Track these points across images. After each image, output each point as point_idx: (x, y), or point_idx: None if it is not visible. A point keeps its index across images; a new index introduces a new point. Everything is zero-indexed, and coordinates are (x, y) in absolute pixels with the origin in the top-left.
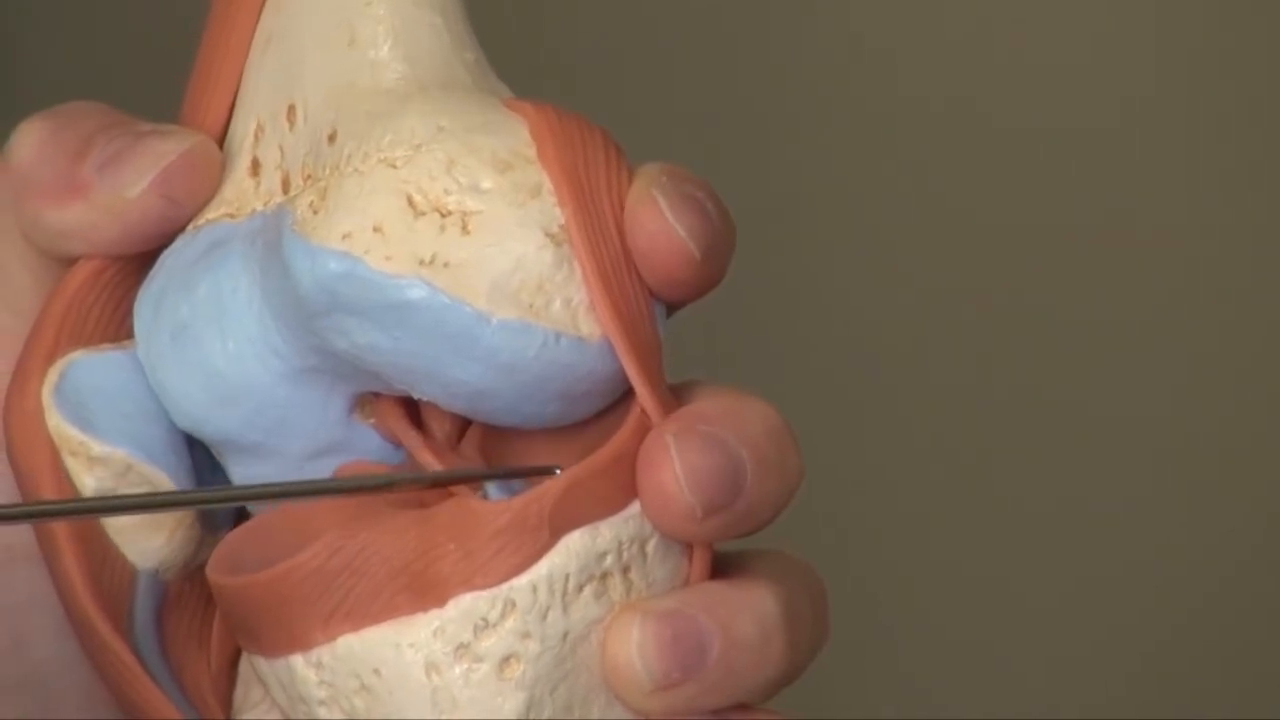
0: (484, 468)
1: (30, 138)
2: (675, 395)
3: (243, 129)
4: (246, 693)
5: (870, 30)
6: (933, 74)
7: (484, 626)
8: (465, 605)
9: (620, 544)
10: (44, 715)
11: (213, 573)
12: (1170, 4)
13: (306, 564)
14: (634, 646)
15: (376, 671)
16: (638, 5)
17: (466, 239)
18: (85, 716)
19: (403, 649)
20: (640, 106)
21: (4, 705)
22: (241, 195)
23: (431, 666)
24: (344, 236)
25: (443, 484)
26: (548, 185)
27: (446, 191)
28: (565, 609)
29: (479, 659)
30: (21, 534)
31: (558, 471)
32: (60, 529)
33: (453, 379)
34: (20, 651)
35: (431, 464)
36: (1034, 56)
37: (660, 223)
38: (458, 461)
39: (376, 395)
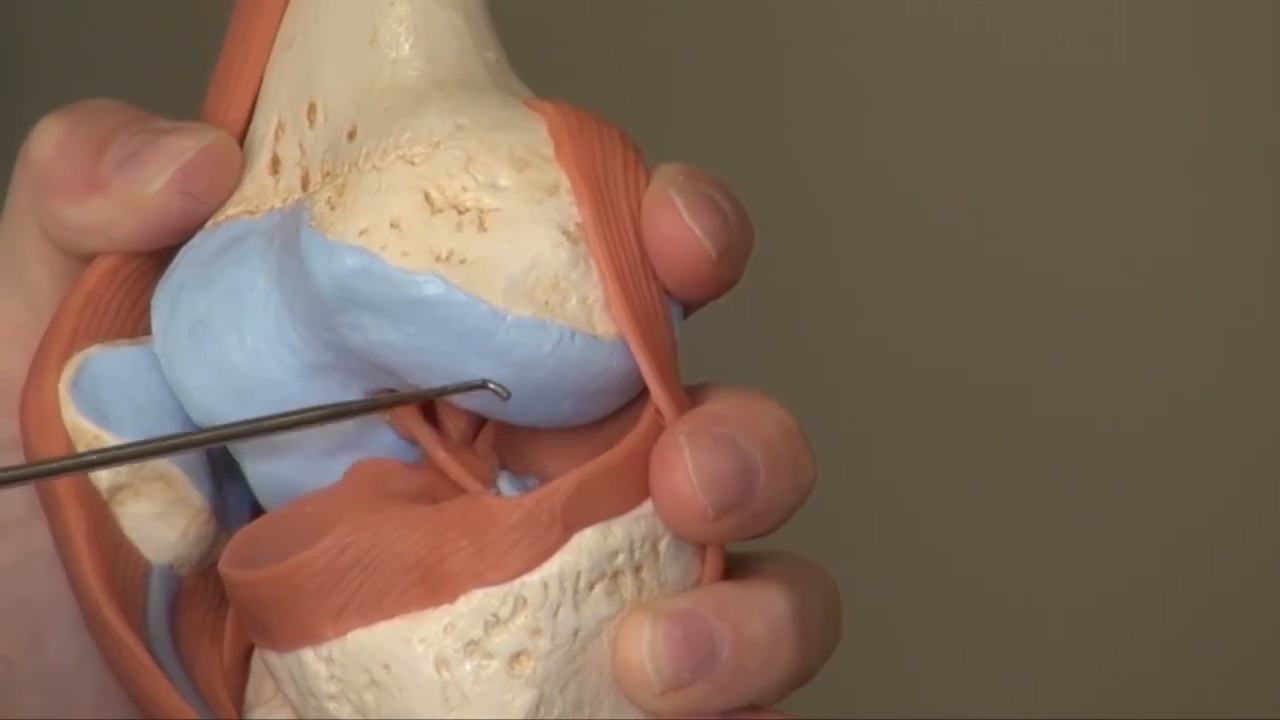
0: (418, 390)
1: (49, 135)
2: (690, 396)
3: (264, 126)
4: (258, 688)
5: (882, 31)
6: (941, 76)
7: (495, 623)
8: (476, 601)
9: (632, 542)
10: (61, 712)
11: (225, 567)
12: (1183, 5)
13: (318, 559)
14: (645, 646)
15: (386, 667)
16: (658, 7)
17: (483, 236)
18: (101, 712)
19: (413, 644)
20: (658, 108)
21: (23, 702)
22: (261, 192)
23: (442, 662)
24: (361, 232)
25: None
26: (565, 184)
27: (464, 189)
28: (576, 606)
29: (489, 655)
30: (39, 534)
31: (490, 385)
32: (75, 526)
33: (467, 376)
34: (38, 649)
35: (446, 462)
36: (1042, 58)
37: (677, 223)
38: (472, 459)
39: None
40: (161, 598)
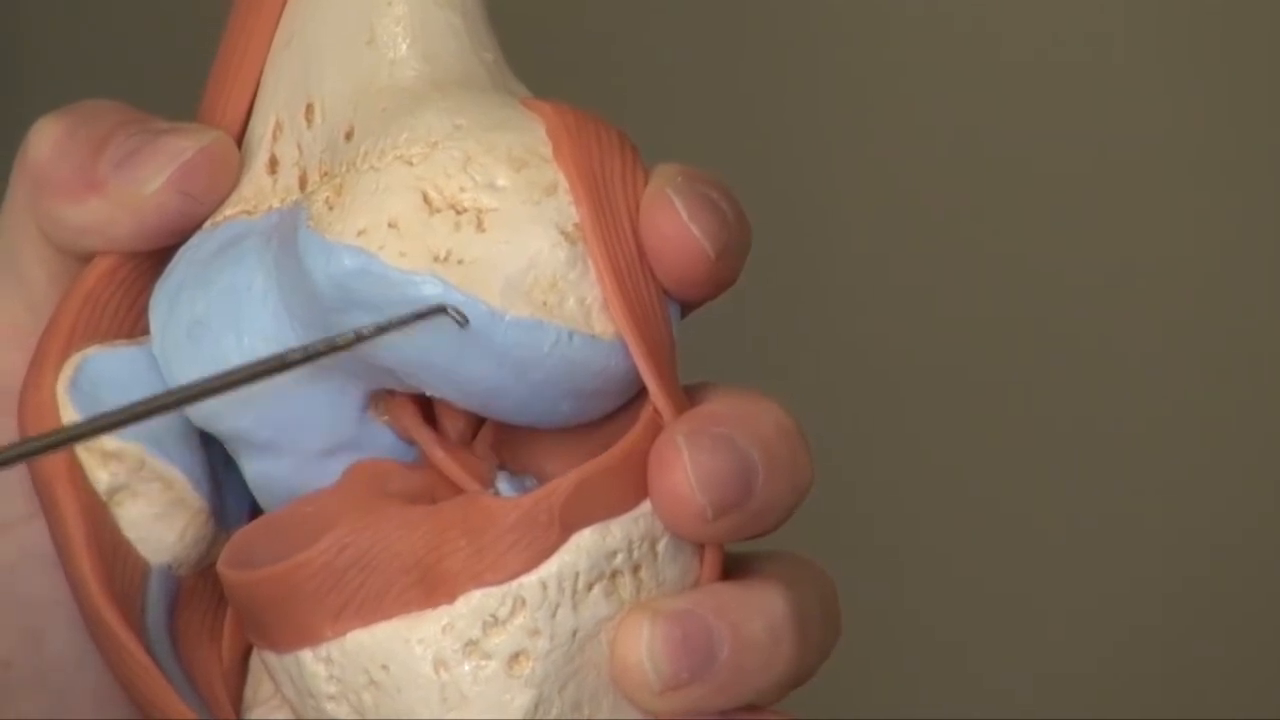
0: (374, 326)
1: (47, 135)
2: (689, 396)
3: (261, 127)
4: (257, 688)
5: (881, 31)
6: (940, 76)
7: (493, 623)
8: (475, 602)
9: (631, 543)
10: (60, 713)
11: (224, 567)
12: (1182, 5)
13: (316, 559)
14: (643, 646)
15: (385, 667)
16: (657, 7)
17: (481, 236)
18: (100, 713)
19: (412, 645)
20: (656, 107)
21: (21, 703)
22: (259, 192)
23: (440, 663)
24: (359, 233)
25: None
26: (563, 184)
27: (462, 189)
28: (575, 607)
29: (488, 656)
30: (37, 534)
31: (448, 310)
32: (74, 526)
33: (465, 376)
34: (37, 649)
35: (444, 462)
36: (1042, 58)
37: (675, 222)
38: (471, 459)
39: (390, 393)
40: (160, 598)
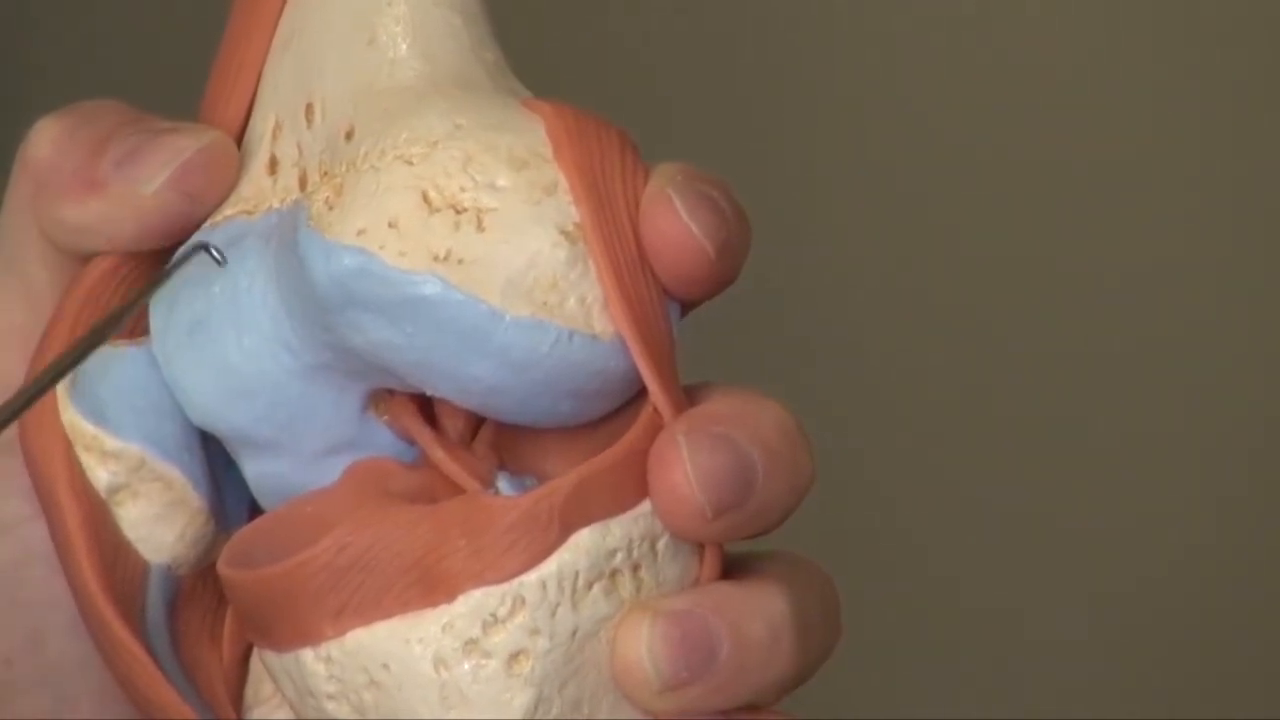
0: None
1: (47, 135)
2: (689, 396)
3: (261, 127)
4: (257, 689)
5: (881, 31)
6: (941, 76)
7: (493, 622)
8: (475, 601)
9: (630, 542)
10: (61, 713)
11: (224, 567)
12: (1178, 15)
13: (317, 558)
14: (643, 645)
15: (385, 666)
16: (657, 7)
17: (481, 236)
18: (101, 713)
19: (412, 644)
20: (657, 108)
21: (21, 704)
22: (259, 192)
23: (440, 662)
24: (359, 232)
25: None
26: (563, 183)
27: (462, 189)
28: (574, 606)
29: (488, 655)
30: (38, 534)
31: (209, 247)
32: (74, 526)
33: (465, 376)
34: (38, 649)
35: (444, 461)
36: (1042, 58)
37: (675, 221)
38: (470, 459)
39: (390, 392)
40: (160, 598)
